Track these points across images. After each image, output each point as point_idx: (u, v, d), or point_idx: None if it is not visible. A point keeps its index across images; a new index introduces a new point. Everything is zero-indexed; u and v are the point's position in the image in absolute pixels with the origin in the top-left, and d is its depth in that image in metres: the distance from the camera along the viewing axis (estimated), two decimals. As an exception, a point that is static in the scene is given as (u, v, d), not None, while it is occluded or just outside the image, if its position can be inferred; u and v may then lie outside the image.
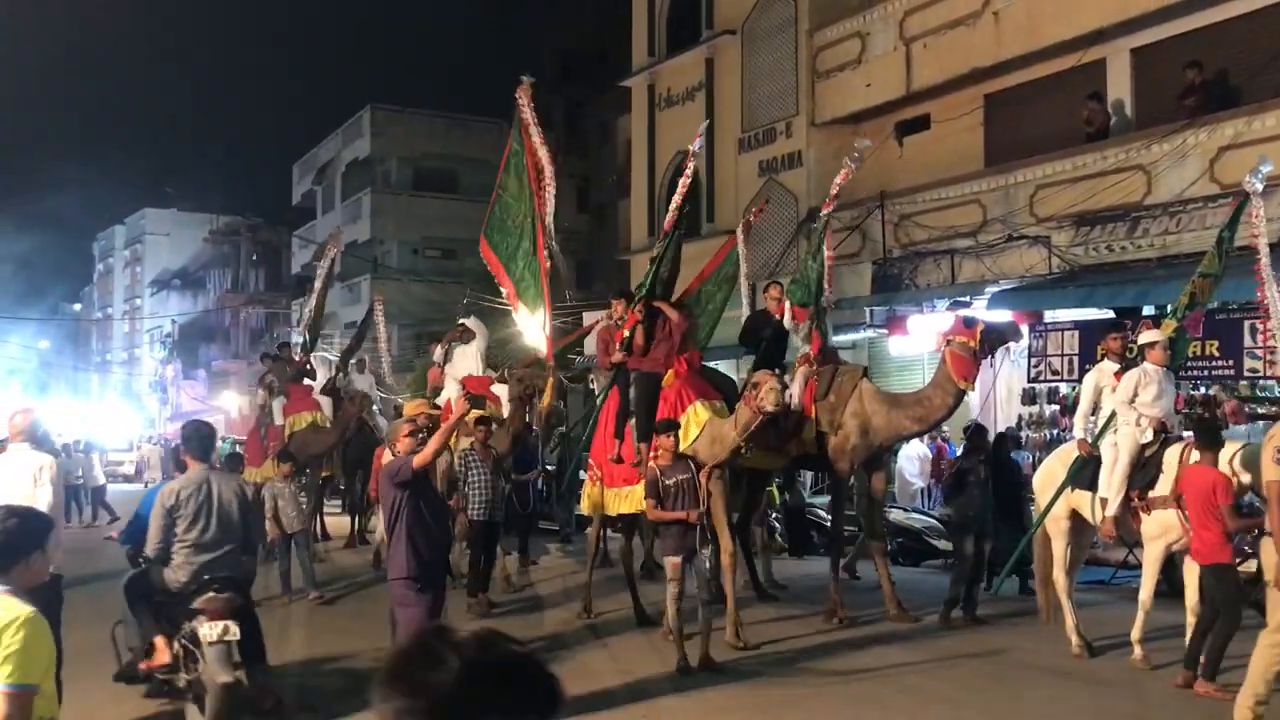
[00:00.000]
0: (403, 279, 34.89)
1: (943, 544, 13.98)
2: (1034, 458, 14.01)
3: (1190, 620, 7.92)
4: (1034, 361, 14.80)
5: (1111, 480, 8.40)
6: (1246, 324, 12.19)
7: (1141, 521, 8.29)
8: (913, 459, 16.43)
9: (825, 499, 15.07)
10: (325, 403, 16.24)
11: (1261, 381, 12.77)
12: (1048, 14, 15.51)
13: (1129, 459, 8.35)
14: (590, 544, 10.97)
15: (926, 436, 14.71)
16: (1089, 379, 9.28)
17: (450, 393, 12.61)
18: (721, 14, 21.58)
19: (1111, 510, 8.36)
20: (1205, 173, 13.42)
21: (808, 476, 16.09)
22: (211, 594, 6.11)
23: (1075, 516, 8.99)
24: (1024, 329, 12.95)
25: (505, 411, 12.04)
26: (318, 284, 17.77)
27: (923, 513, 15.13)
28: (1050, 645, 8.93)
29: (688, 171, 10.48)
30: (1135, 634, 8.25)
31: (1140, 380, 8.46)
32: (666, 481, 8.17)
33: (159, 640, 6.26)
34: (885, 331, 17.04)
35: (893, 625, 9.92)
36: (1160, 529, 8.14)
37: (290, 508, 11.58)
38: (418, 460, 6.47)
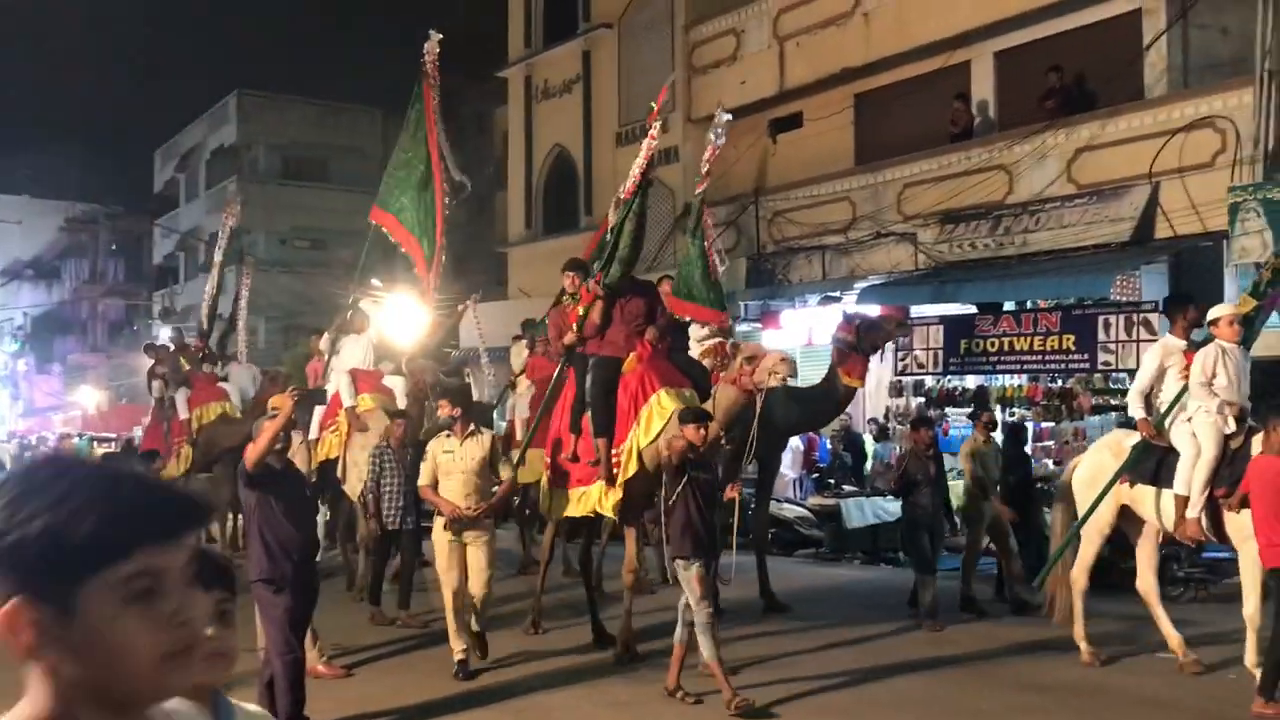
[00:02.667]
0: (270, 270, 33.99)
1: (814, 533, 14.28)
2: (901, 449, 14.34)
3: (1251, 636, 7.19)
4: (900, 355, 15.18)
5: (1194, 477, 7.45)
6: (1100, 319, 12.72)
7: (1227, 521, 7.38)
8: (785, 450, 16.67)
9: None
10: (233, 391, 15.05)
11: (1114, 374, 13.33)
12: (915, 16, 15.89)
13: (1215, 453, 7.39)
14: (544, 550, 9.87)
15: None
16: (1152, 353, 8.17)
17: (337, 385, 11.79)
18: (598, 7, 21.56)
19: (1194, 511, 7.45)
20: (1063, 173, 13.94)
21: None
22: None
23: (1126, 514, 8.11)
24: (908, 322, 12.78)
25: (401, 406, 11.36)
26: (218, 257, 16.03)
27: (795, 503, 15.39)
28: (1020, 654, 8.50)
29: (653, 132, 9.14)
30: (1249, 658, 7.21)
31: (1218, 358, 7.48)
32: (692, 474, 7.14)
33: None
34: (759, 325, 17.27)
35: (841, 625, 9.37)
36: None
37: None
38: (249, 460, 6.35)
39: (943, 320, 14.75)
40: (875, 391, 16.02)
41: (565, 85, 22.41)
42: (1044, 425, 14.24)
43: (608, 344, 8.90)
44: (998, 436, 11.10)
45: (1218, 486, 7.40)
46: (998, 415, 13.63)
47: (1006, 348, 13.78)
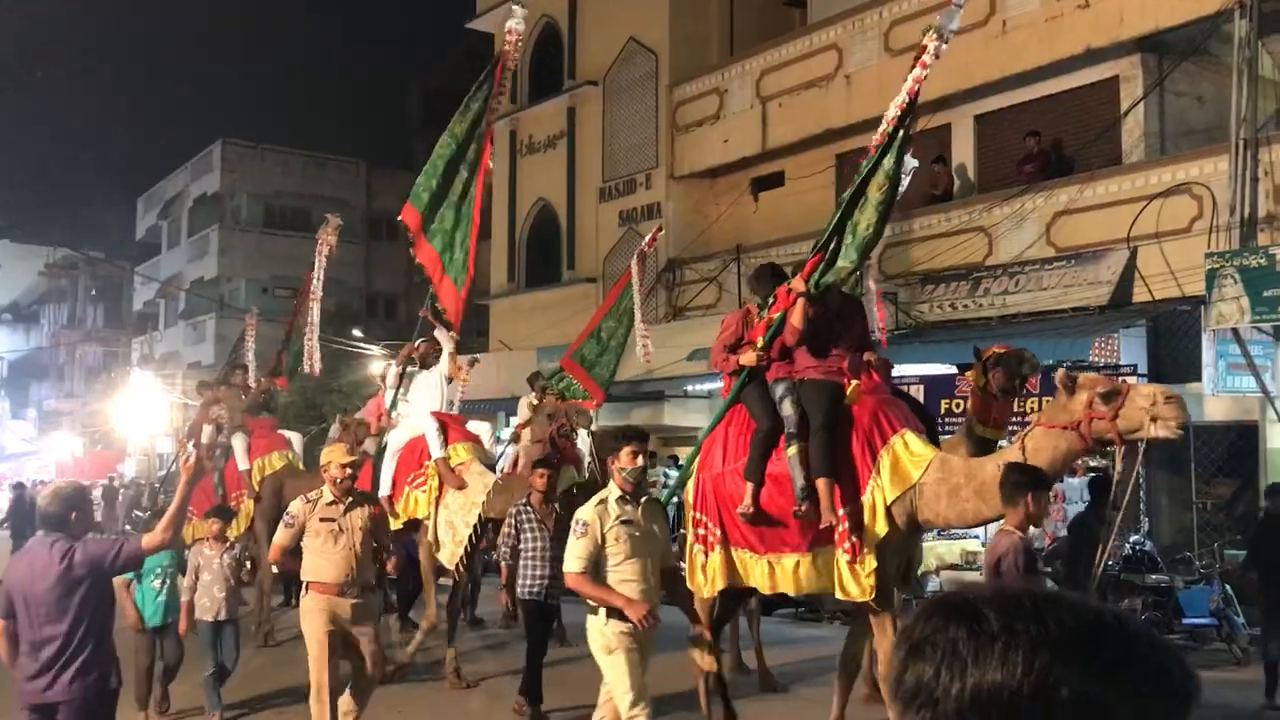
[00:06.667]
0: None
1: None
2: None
3: None
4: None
5: None
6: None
7: None
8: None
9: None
10: (295, 439, 13.59)
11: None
12: (896, 80, 15.94)
13: None
14: (701, 627, 6.78)
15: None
16: None
17: (418, 429, 9.93)
18: (584, 65, 21.78)
19: None
20: (1042, 236, 14.07)
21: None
22: None
23: None
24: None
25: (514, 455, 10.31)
26: (317, 291, 13.72)
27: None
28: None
29: (924, 60, 7.13)
30: None
31: None
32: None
33: None
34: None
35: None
36: None
37: (218, 585, 8.20)
38: (153, 542, 5.20)
39: (923, 379, 14.77)
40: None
41: (550, 140, 22.58)
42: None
43: (822, 367, 6.71)
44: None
45: None
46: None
47: (986, 408, 13.80)
